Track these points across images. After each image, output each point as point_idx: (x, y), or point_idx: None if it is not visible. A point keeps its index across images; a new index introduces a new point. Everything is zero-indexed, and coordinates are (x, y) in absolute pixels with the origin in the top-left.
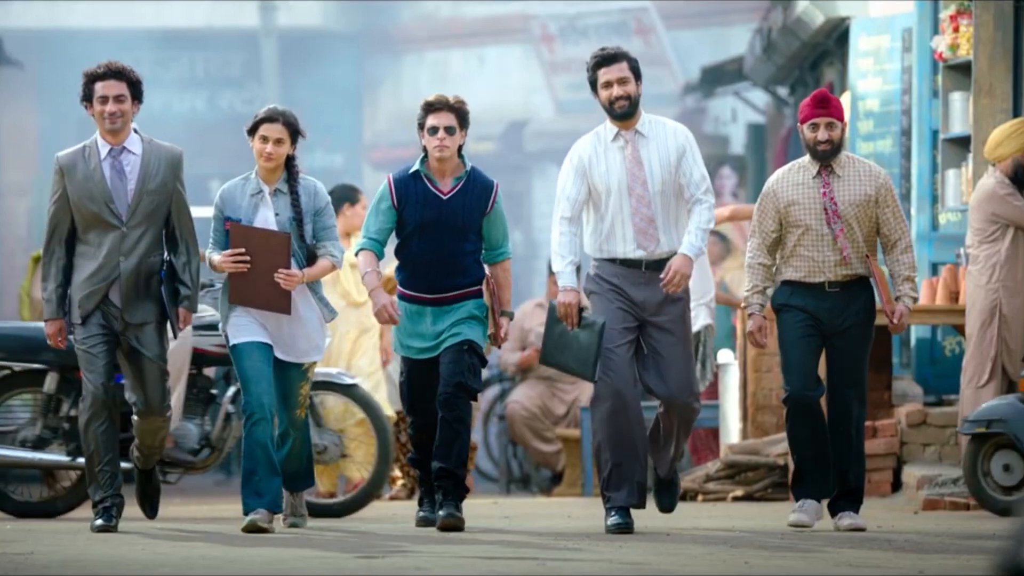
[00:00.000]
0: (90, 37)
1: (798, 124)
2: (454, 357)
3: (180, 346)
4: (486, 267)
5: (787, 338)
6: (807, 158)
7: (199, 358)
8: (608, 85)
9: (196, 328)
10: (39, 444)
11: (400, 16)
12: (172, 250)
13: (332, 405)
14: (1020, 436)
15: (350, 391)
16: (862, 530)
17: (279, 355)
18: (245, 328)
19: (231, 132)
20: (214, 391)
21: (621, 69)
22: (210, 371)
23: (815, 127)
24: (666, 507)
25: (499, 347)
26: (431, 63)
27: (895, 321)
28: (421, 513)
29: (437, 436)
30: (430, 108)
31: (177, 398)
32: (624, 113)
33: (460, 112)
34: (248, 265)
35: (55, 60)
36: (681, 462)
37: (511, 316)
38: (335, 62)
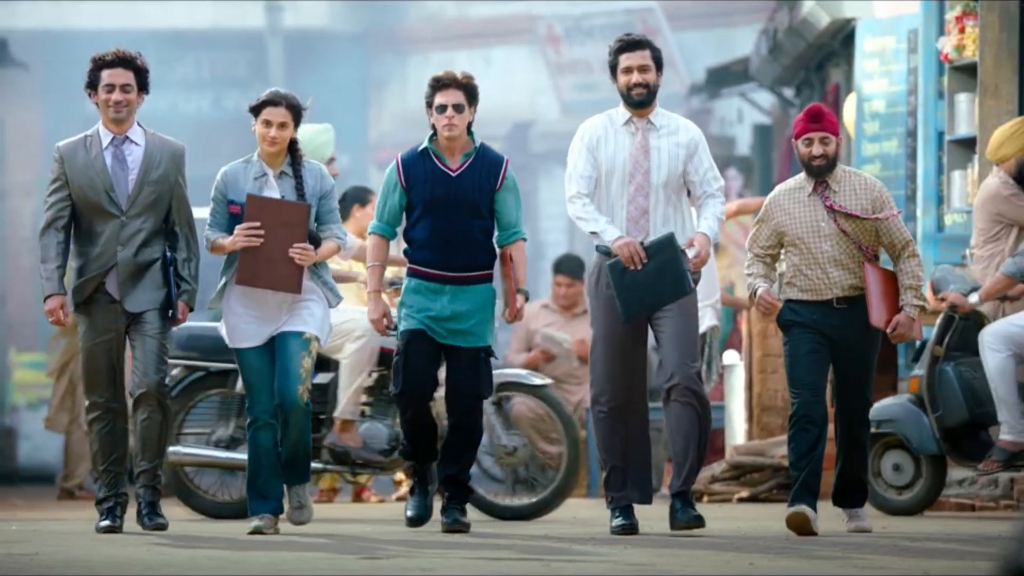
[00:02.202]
0: (95, 38)
1: (792, 139)
2: (472, 365)
3: (367, 344)
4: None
5: (794, 353)
6: (803, 175)
7: (388, 358)
8: (628, 71)
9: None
10: (231, 444)
11: (406, 17)
12: (172, 246)
13: (520, 406)
14: (910, 436)
15: (538, 391)
16: (868, 531)
17: (281, 329)
18: (245, 332)
19: (237, 132)
20: None
21: (643, 56)
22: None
23: (809, 142)
24: (681, 525)
25: (519, 320)
26: (437, 64)
27: (889, 331)
28: (410, 513)
29: (448, 442)
30: (438, 85)
31: (355, 392)
32: (641, 101)
33: (469, 89)
34: (261, 239)
35: (60, 61)
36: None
37: (526, 295)
38: (341, 62)
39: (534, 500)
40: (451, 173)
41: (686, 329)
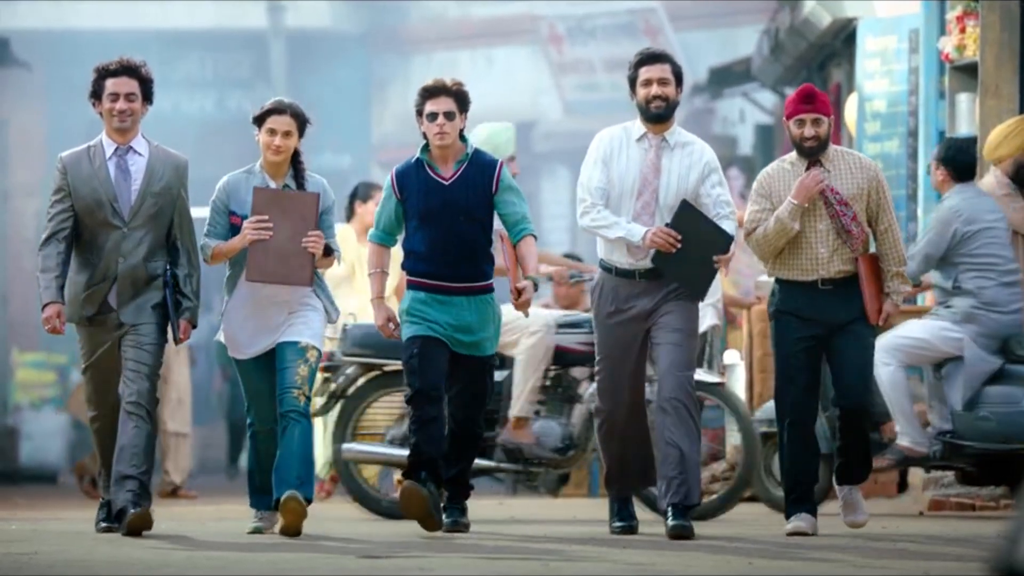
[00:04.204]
0: (98, 38)
1: (784, 120)
2: (478, 374)
3: (543, 339)
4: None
5: (783, 353)
6: (794, 154)
7: (563, 356)
8: (648, 83)
9: (561, 326)
10: (405, 442)
11: (408, 17)
12: (173, 261)
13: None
14: None
15: (714, 389)
16: (862, 525)
17: (279, 340)
18: (245, 342)
19: (240, 133)
20: (578, 391)
21: (663, 70)
22: (576, 370)
23: (801, 123)
24: (677, 530)
25: (527, 307)
26: (439, 64)
27: (880, 323)
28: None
29: (449, 446)
30: (428, 94)
31: (531, 390)
32: (658, 115)
33: (459, 96)
34: (271, 233)
35: (62, 61)
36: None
37: (536, 283)
38: (343, 63)
39: (710, 499)
40: (444, 182)
41: (681, 341)
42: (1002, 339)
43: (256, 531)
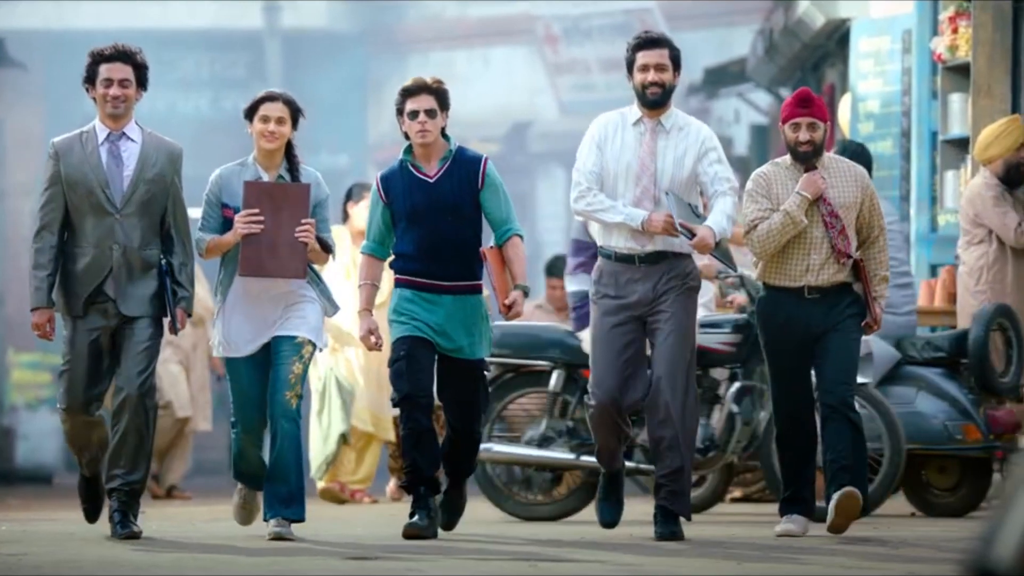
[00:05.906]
0: (95, 38)
1: (779, 123)
2: (471, 378)
3: None
4: (486, 250)
5: (776, 360)
6: (788, 158)
7: (704, 356)
8: (645, 69)
9: (702, 326)
10: (543, 443)
11: (405, 16)
12: (168, 250)
13: None
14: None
15: (859, 390)
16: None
17: (274, 333)
18: (240, 341)
19: (235, 133)
20: (720, 391)
21: (661, 55)
22: (717, 372)
23: (796, 127)
24: (667, 535)
25: (518, 317)
26: (436, 63)
27: (876, 327)
28: (414, 519)
29: (450, 450)
30: (408, 93)
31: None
32: (655, 100)
33: (439, 93)
34: (262, 226)
35: (60, 61)
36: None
37: (526, 290)
38: (340, 62)
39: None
40: (429, 180)
41: (678, 342)
42: (896, 340)
43: (244, 520)
